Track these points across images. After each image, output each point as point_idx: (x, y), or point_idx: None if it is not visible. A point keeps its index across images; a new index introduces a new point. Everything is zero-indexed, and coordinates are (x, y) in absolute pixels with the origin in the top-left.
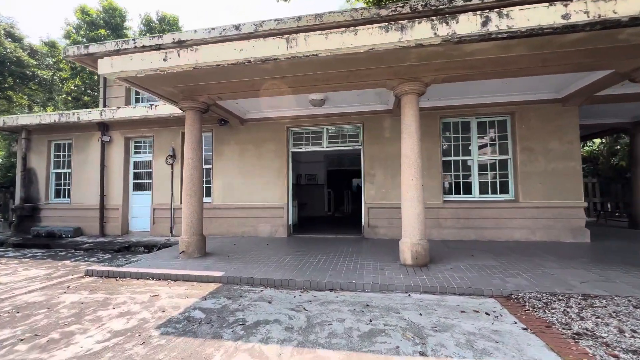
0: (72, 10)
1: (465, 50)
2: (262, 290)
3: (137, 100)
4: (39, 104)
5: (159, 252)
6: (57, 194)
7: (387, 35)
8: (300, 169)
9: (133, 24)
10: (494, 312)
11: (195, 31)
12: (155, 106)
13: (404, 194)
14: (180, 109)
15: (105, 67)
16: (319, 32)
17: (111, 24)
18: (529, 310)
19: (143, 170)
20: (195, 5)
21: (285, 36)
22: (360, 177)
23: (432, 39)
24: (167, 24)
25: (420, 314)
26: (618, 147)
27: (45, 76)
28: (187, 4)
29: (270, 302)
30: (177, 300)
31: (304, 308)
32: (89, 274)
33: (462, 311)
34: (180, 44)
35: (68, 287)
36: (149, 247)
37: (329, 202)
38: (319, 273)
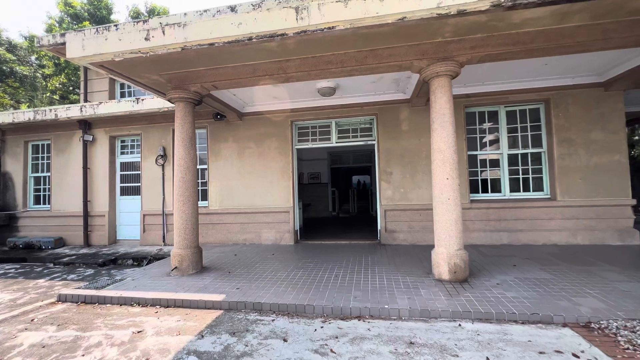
0: (54, 3)
1: (513, 21)
2: (273, 321)
3: (122, 95)
4: (25, 104)
5: (149, 267)
6: (37, 200)
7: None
8: (303, 167)
9: (120, 17)
10: (583, 352)
11: (185, 14)
12: (142, 100)
13: (436, 195)
14: (169, 100)
15: (75, 49)
16: None
17: (96, 17)
18: (628, 349)
19: (131, 173)
20: None
21: (295, 5)
22: (364, 175)
23: (478, 3)
24: (156, 16)
25: (488, 359)
26: (636, 137)
27: (25, 72)
28: None
29: (285, 340)
30: (166, 338)
31: (331, 350)
32: (62, 299)
33: (541, 352)
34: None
35: (32, 319)
36: (139, 260)
37: (333, 202)
38: (341, 294)
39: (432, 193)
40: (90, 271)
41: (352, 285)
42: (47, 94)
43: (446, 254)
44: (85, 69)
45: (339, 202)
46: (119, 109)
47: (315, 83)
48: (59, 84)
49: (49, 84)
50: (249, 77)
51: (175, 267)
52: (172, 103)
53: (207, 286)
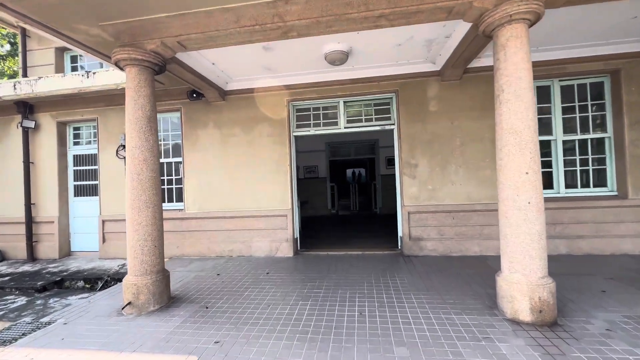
0: None
1: None
2: None
3: (74, 70)
4: None
5: (98, 297)
6: None
7: None
8: (298, 160)
9: None
10: None
11: None
12: (94, 73)
13: (508, 197)
14: (117, 65)
15: None
16: None
17: None
18: None
19: (87, 168)
20: None
21: None
22: (359, 167)
23: None
24: None
25: None
26: None
27: None
28: None
29: None
30: None
31: None
32: None
33: None
34: None
35: None
36: (92, 281)
37: (332, 199)
38: (377, 351)
39: (498, 194)
40: (21, 301)
41: (389, 331)
42: (5, 79)
43: (526, 284)
44: (24, 36)
45: (338, 199)
46: (64, 86)
47: (322, 45)
48: (18, 67)
49: (5, 67)
50: (231, 29)
51: (129, 303)
52: (122, 69)
53: (171, 336)
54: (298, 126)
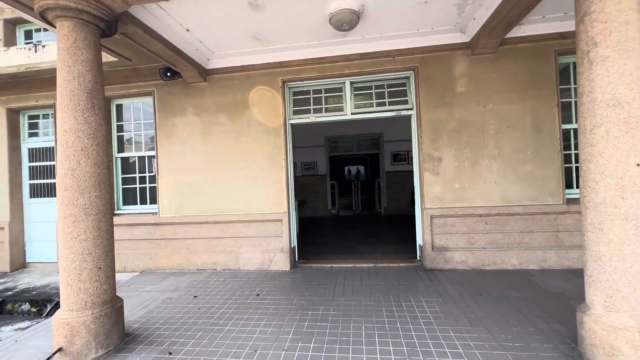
0: None
1: None
2: None
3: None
4: None
5: (24, 337)
6: None
7: None
8: (295, 156)
9: None
10: None
11: None
12: (43, 46)
13: (601, 201)
14: (43, 16)
15: None
16: None
17: None
18: None
19: (45, 164)
20: None
21: None
22: (360, 164)
23: None
24: None
25: None
26: None
27: None
28: None
29: None
30: None
31: None
32: None
33: None
34: None
35: None
36: (40, 304)
37: (333, 198)
38: None
39: (583, 196)
40: None
41: None
42: None
43: (638, 331)
44: None
45: (339, 198)
46: (8, 62)
47: (326, 5)
48: None
49: None
50: None
51: (59, 350)
52: (51, 24)
53: None
54: (295, 112)
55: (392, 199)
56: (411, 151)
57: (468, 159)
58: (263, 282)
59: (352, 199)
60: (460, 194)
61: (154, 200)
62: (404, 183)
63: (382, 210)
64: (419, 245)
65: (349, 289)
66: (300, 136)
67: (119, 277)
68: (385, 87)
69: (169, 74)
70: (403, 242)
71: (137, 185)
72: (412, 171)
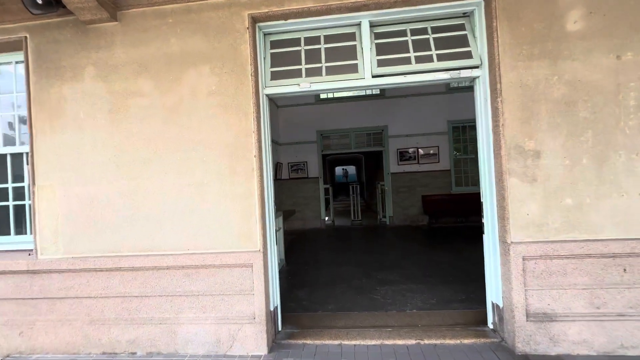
0: None
1: None
2: None
3: None
4: None
5: None
6: None
7: None
8: (280, 154)
9: None
10: None
11: None
12: None
13: None
14: None
15: None
16: None
17: None
18: None
19: None
20: None
21: None
22: (358, 163)
23: None
24: None
25: None
26: None
27: None
28: None
29: None
30: None
31: None
32: None
33: None
34: None
35: None
36: None
37: (326, 205)
38: None
39: None
40: None
41: None
42: None
43: None
44: None
45: (332, 204)
46: None
47: None
48: None
49: None
50: None
51: None
52: None
53: None
54: (276, 76)
55: (400, 205)
56: (421, 148)
57: (589, 153)
58: None
59: (347, 204)
60: (575, 217)
61: (19, 227)
62: (414, 187)
63: (386, 219)
64: (493, 304)
65: None
66: (286, 130)
67: None
68: (430, 30)
69: (40, 1)
70: (446, 281)
71: (9, 203)
72: (423, 172)
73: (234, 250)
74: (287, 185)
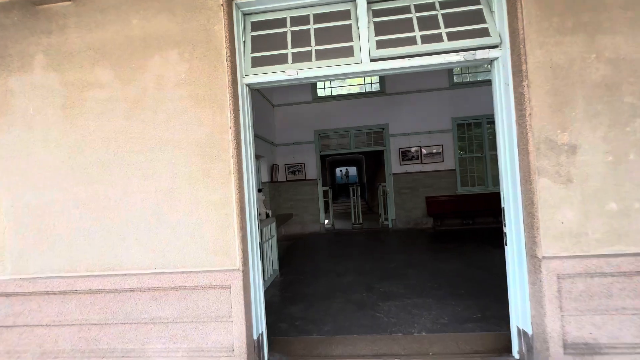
0: None
1: None
2: None
3: None
4: None
5: None
6: None
7: None
8: (277, 155)
9: None
10: None
11: None
12: None
13: None
14: None
15: None
16: None
17: None
18: None
19: None
20: None
21: None
22: (357, 164)
23: None
24: None
25: None
26: None
27: None
28: None
29: None
30: None
31: None
32: None
33: None
34: None
35: None
36: None
37: (325, 208)
38: None
39: None
40: None
41: None
42: None
43: None
44: None
45: (332, 207)
46: None
47: None
48: None
49: None
50: None
51: None
52: None
53: None
54: (257, 62)
55: (402, 208)
56: (424, 147)
57: (638, 147)
58: None
59: (348, 205)
60: (622, 225)
61: None
62: (417, 188)
63: (389, 222)
64: (519, 330)
65: None
66: (282, 130)
67: None
68: (438, 5)
69: None
70: (456, 294)
71: None
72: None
73: (208, 269)
74: (284, 188)
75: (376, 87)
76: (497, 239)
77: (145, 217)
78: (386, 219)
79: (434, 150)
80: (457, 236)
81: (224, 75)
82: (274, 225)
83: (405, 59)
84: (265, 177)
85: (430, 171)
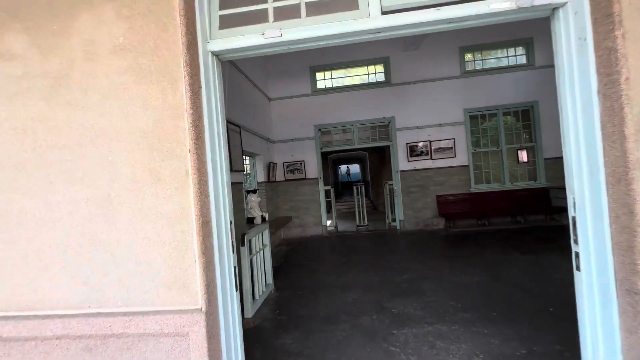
0: None
1: None
2: None
3: None
4: None
5: None
6: None
7: None
8: (275, 153)
9: None
10: None
11: None
12: None
13: None
14: None
15: None
16: None
17: None
18: None
19: None
20: None
21: None
22: (360, 162)
23: None
24: None
25: None
26: None
27: None
28: None
29: None
30: None
31: None
32: None
33: None
34: None
35: None
36: None
37: (327, 209)
38: None
39: None
40: None
41: None
42: None
43: None
44: None
45: (335, 206)
46: None
47: None
48: None
49: None
50: None
51: None
52: None
53: None
54: (227, 22)
55: (410, 208)
56: (434, 142)
57: None
58: None
59: (352, 204)
60: None
61: None
62: (427, 186)
63: (396, 224)
64: None
65: None
66: (279, 126)
67: None
68: None
69: None
70: (488, 317)
71: None
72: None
73: (159, 309)
74: (282, 188)
75: (381, 77)
76: (522, 243)
77: (74, 237)
78: (393, 220)
79: (445, 145)
80: (474, 239)
81: (177, 38)
82: (267, 232)
83: (432, 10)
84: (262, 177)
85: (441, 167)
